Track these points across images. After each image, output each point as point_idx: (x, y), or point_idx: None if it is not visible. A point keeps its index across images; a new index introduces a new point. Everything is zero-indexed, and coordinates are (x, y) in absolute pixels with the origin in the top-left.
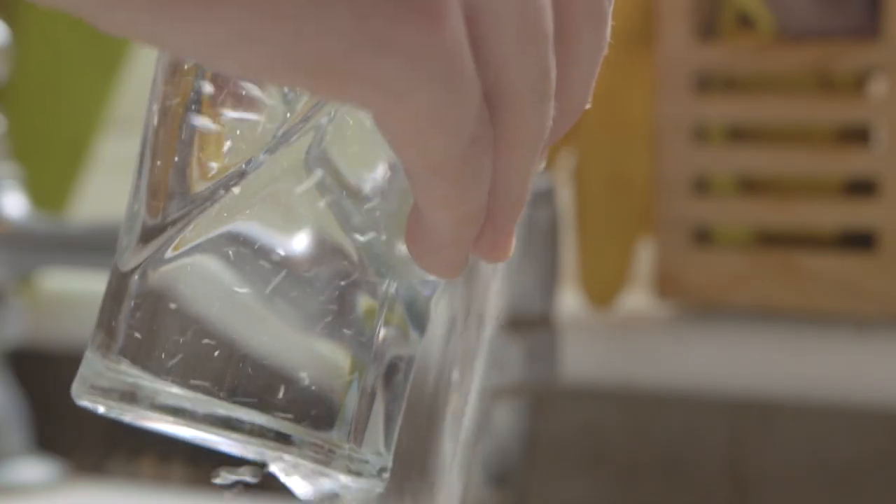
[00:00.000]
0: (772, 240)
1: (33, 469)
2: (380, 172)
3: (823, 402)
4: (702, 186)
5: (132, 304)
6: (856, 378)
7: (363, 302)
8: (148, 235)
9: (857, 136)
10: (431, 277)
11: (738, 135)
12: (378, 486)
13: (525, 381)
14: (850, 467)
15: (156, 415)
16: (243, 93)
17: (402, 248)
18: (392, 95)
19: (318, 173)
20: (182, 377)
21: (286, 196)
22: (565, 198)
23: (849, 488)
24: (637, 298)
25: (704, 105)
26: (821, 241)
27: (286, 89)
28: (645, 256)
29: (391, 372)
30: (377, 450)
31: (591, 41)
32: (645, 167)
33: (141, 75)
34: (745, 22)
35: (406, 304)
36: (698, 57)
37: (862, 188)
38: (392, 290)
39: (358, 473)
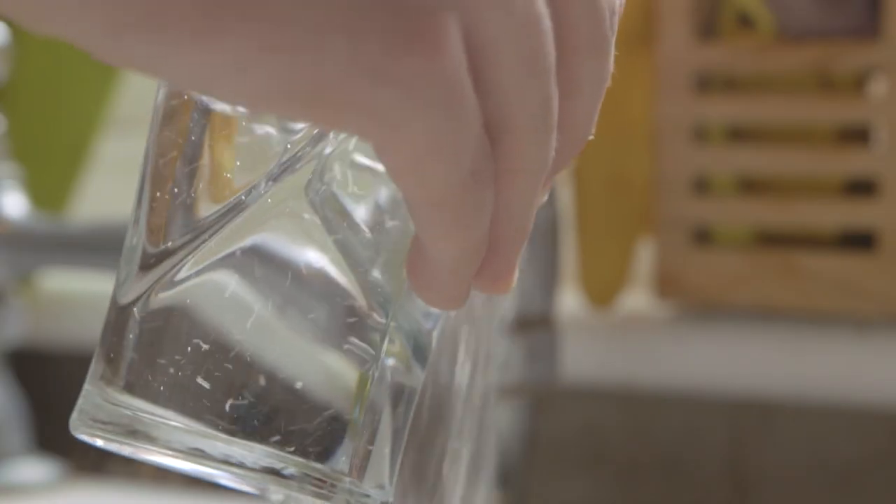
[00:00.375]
0: (772, 240)
1: (33, 469)
2: (382, 204)
3: (823, 402)
4: (702, 186)
5: (131, 335)
6: (856, 378)
7: (365, 334)
8: (147, 266)
9: (857, 136)
10: (433, 310)
11: (738, 135)
12: None
13: (525, 381)
14: (850, 467)
15: (154, 448)
16: (243, 123)
17: (403, 280)
18: (389, 125)
19: (320, 204)
20: (182, 409)
21: (287, 227)
22: (565, 198)
23: (849, 488)
24: (637, 298)
25: (704, 105)
26: (821, 241)
27: (287, 119)
28: (645, 256)
29: (393, 405)
30: (379, 483)
31: (594, 71)
32: (645, 167)
33: (141, 76)
34: (745, 22)
35: (407, 336)
36: (698, 57)
37: (862, 188)
38: (393, 322)
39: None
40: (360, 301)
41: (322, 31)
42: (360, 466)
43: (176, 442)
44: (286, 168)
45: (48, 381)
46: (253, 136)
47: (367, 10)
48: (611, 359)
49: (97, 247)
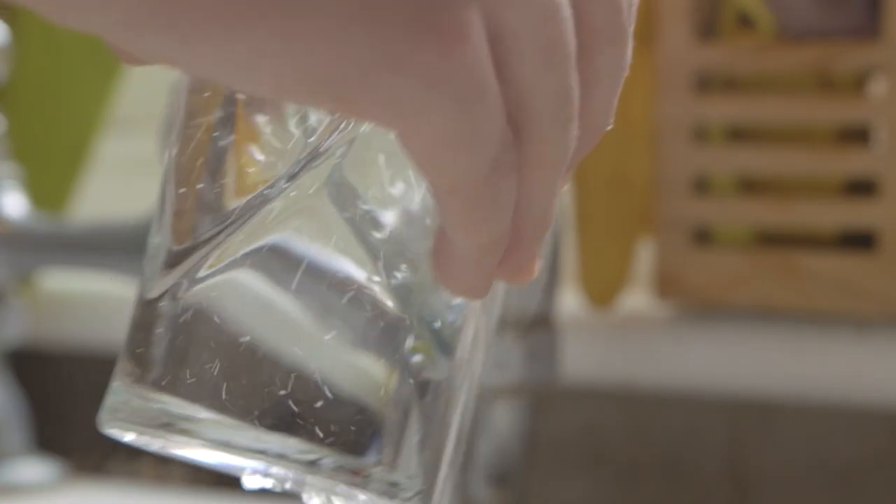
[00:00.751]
0: (772, 240)
1: (33, 469)
2: (402, 198)
3: (823, 402)
4: (702, 186)
5: (159, 331)
6: (856, 378)
7: (389, 328)
8: (173, 262)
9: (857, 136)
10: (457, 302)
11: (738, 135)
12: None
13: (525, 381)
14: (850, 467)
15: (185, 440)
16: (265, 117)
17: (427, 273)
18: (410, 115)
19: (340, 200)
20: (212, 404)
21: (309, 223)
22: (565, 198)
23: (849, 488)
24: (637, 298)
25: (704, 105)
26: (821, 241)
27: (309, 113)
28: (645, 256)
29: (421, 395)
30: (411, 473)
31: (613, 60)
32: (645, 167)
33: (141, 75)
34: (745, 22)
35: (431, 329)
36: (698, 57)
37: (862, 188)
38: (417, 316)
39: (391, 496)
40: (383, 296)
41: (343, 20)
42: (392, 457)
43: (208, 435)
44: (308, 163)
45: (48, 381)
46: (275, 132)
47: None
48: (611, 359)
49: (97, 247)
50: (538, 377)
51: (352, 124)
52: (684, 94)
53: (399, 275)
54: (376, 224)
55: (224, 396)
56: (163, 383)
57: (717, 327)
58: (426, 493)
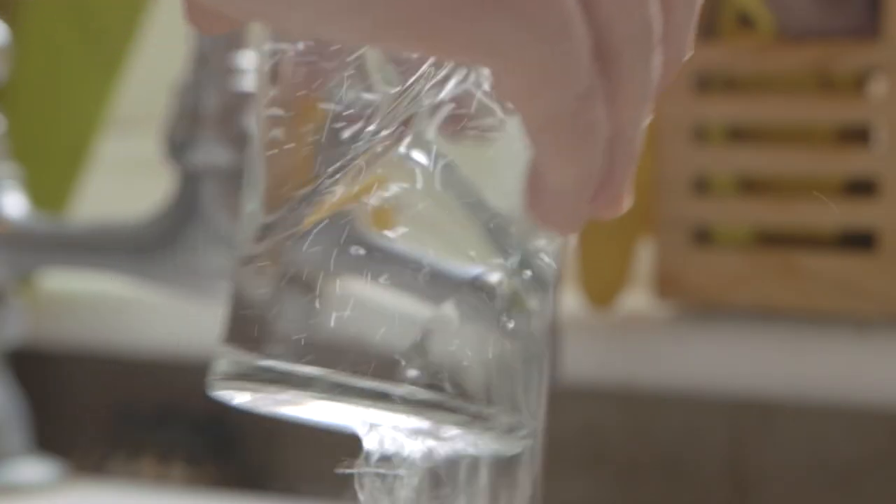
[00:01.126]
0: (772, 240)
1: (33, 469)
2: (495, 141)
3: (823, 402)
4: (702, 186)
5: (262, 290)
6: (856, 378)
7: (490, 271)
8: (270, 223)
9: (857, 136)
10: (549, 241)
11: (738, 135)
12: (516, 446)
13: None
14: (850, 467)
15: (297, 398)
16: (347, 76)
17: (520, 213)
18: (503, 54)
19: (429, 150)
20: (318, 356)
21: (400, 174)
22: None
23: (849, 488)
24: (637, 298)
25: (704, 105)
26: (821, 241)
27: (393, 71)
28: (645, 256)
29: (526, 336)
30: (522, 413)
31: None
32: (645, 167)
33: (141, 75)
34: (745, 22)
35: (529, 268)
36: (698, 57)
37: (862, 188)
38: (514, 257)
39: (508, 437)
40: (480, 241)
41: None
42: (507, 399)
43: (313, 388)
44: (397, 116)
45: (48, 381)
46: (358, 87)
47: None
48: (611, 359)
49: (97, 247)
50: None
51: (440, 74)
52: (684, 93)
53: (494, 219)
54: (463, 170)
55: (328, 351)
56: (272, 344)
57: (717, 327)
58: (536, 429)
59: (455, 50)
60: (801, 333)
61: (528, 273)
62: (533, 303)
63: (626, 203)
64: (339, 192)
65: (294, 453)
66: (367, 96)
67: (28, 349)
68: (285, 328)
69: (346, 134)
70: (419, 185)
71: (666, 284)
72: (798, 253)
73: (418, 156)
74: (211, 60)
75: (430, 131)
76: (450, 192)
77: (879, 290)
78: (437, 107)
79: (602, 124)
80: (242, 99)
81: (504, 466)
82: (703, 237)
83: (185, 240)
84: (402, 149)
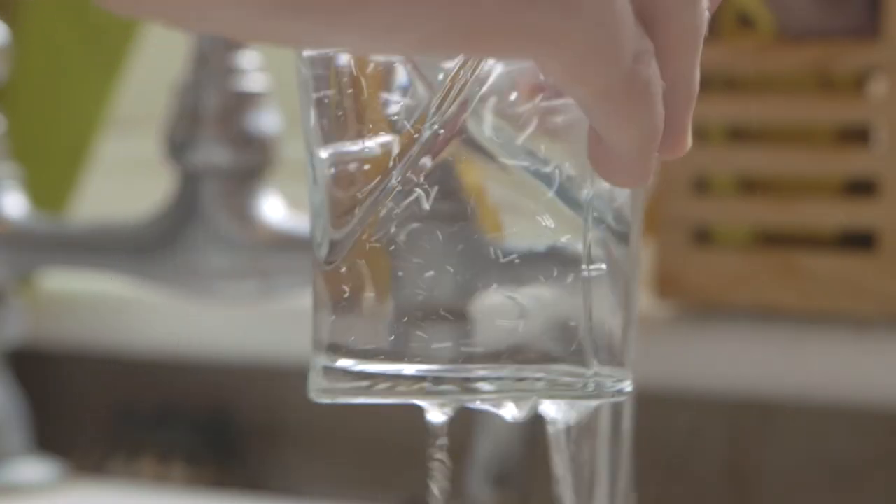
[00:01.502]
0: (772, 240)
1: (33, 469)
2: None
3: (823, 402)
4: (702, 186)
5: (345, 292)
6: (856, 378)
7: (567, 234)
8: (340, 222)
9: (857, 136)
10: (623, 191)
11: (738, 135)
12: (622, 397)
13: None
14: (850, 467)
15: (398, 394)
16: (390, 76)
17: (589, 170)
18: (550, 41)
19: (485, 136)
20: (412, 354)
21: (467, 156)
22: None
23: (849, 488)
24: None
25: (704, 105)
26: (821, 241)
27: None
28: (645, 256)
29: (613, 289)
30: (623, 371)
31: None
32: None
33: (141, 75)
34: (745, 22)
35: (605, 221)
36: None
37: (862, 188)
38: (590, 214)
39: (605, 394)
40: (556, 209)
41: None
42: (600, 356)
43: (424, 387)
44: (440, 110)
45: (48, 381)
46: (399, 88)
47: None
48: None
49: (97, 247)
50: None
51: (478, 69)
52: None
53: (566, 184)
54: (524, 150)
55: (421, 344)
56: (364, 346)
57: (717, 327)
58: (628, 383)
59: (503, 48)
60: (801, 333)
61: (606, 226)
62: (618, 252)
63: (687, 143)
64: (403, 183)
65: (294, 453)
66: (411, 99)
67: (28, 349)
68: (373, 330)
69: (400, 127)
70: (478, 168)
71: (666, 284)
72: (798, 253)
73: (480, 135)
74: (211, 60)
75: (487, 114)
76: (516, 162)
77: (879, 290)
78: (487, 88)
79: (656, 83)
80: (242, 99)
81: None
82: (703, 237)
83: (185, 240)
84: (455, 137)
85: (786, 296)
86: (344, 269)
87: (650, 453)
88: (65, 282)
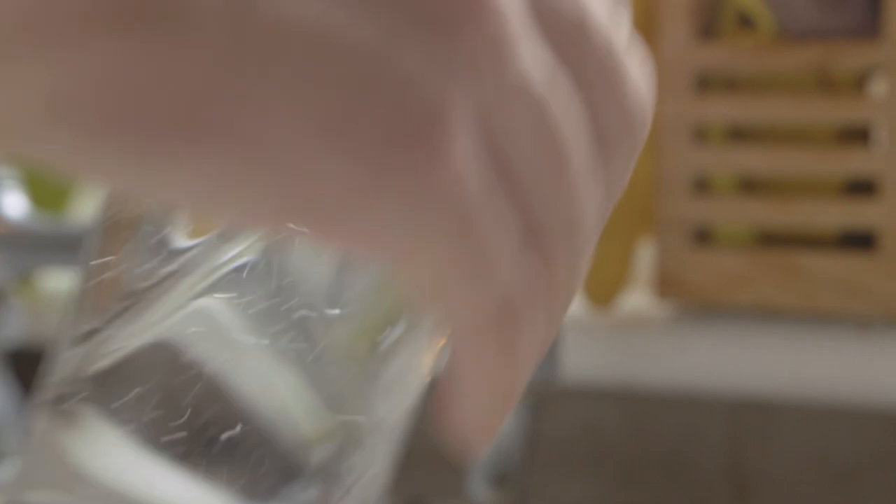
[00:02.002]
0: (772, 240)
1: None
2: (319, 293)
3: (823, 402)
4: (702, 186)
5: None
6: (856, 378)
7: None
8: (78, 342)
9: (857, 136)
10: (389, 402)
11: (738, 135)
12: None
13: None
14: (850, 467)
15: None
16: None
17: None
18: (401, 245)
19: (246, 287)
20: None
21: (208, 318)
22: None
23: (849, 488)
24: (637, 298)
25: (704, 105)
26: (821, 241)
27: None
28: (645, 256)
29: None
30: None
31: (626, 146)
32: (645, 167)
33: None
34: (745, 22)
35: (362, 431)
36: (698, 57)
37: (862, 188)
38: (342, 418)
39: None
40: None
41: (311, 140)
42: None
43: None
44: (210, 264)
45: None
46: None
47: (357, 110)
48: (611, 359)
49: None
50: (538, 377)
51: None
52: (684, 93)
53: (324, 384)
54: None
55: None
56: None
57: (717, 327)
58: None
59: (346, 238)
60: (801, 333)
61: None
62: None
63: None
64: (135, 329)
65: None
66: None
67: (28, 349)
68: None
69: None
70: (231, 325)
71: (666, 284)
72: (798, 253)
73: (230, 298)
74: None
75: (260, 280)
76: (264, 333)
77: (879, 290)
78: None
79: (540, 325)
80: None
81: None
82: (703, 237)
83: None
84: (208, 291)
85: (786, 296)
86: (51, 417)
87: (650, 453)
88: (65, 282)
